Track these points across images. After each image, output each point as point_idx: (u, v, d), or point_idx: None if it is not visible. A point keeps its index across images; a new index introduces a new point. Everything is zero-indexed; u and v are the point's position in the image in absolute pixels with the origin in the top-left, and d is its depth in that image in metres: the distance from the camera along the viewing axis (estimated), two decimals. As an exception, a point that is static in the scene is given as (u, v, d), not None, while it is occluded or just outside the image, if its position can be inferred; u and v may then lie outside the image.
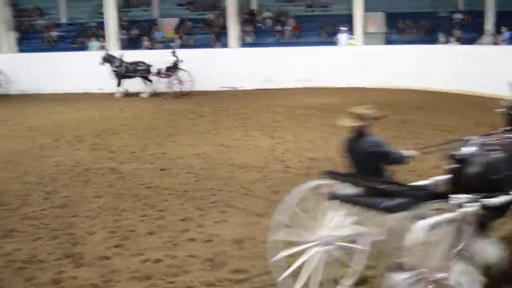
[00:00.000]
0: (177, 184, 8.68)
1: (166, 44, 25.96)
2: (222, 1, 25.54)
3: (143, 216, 7.21)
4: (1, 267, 5.76)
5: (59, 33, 28.83)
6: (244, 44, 23.58)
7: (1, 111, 17.52)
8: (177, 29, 28.36)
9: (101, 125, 14.22)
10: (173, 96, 19.33)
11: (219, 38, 25.90)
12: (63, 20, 30.53)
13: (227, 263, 5.68)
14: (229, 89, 20.70)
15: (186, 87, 19.64)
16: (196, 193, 8.18)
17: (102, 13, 23.96)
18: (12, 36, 23.17)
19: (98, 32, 25.88)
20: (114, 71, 20.01)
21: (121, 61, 19.96)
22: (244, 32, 24.30)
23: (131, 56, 20.13)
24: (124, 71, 19.94)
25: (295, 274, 4.74)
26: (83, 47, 25.17)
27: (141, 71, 19.93)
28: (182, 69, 19.63)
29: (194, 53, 21.91)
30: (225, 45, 23.50)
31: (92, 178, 9.18)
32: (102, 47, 22.89)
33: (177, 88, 19.62)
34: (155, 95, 19.80)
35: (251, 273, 5.43)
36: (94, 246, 6.22)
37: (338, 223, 4.94)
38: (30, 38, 27.47)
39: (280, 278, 4.70)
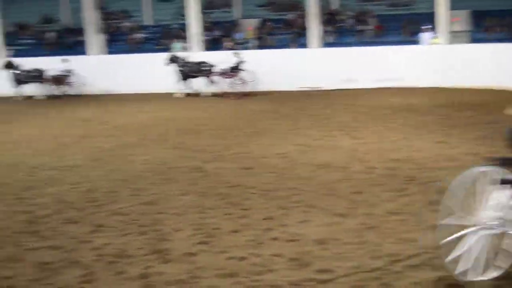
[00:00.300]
0: (259, 183, 8.73)
1: (245, 45, 26.24)
2: (303, 2, 25.49)
3: (227, 214, 7.29)
4: (93, 260, 5.96)
5: (144, 35, 29.63)
6: (325, 44, 23.45)
7: (87, 110, 18.23)
8: (258, 29, 28.55)
9: (184, 124, 14.53)
10: (236, 96, 19.65)
11: (299, 38, 25.87)
12: (148, 22, 31.37)
13: (312, 263, 5.66)
14: (310, 89, 20.66)
15: (249, 87, 20.00)
16: (278, 192, 8.21)
17: (185, 15, 24.45)
18: (101, 39, 24.03)
19: (181, 33, 26.41)
20: (180, 71, 20.75)
21: (186, 61, 20.67)
22: (325, 32, 24.15)
23: (213, 56, 20.52)
24: (188, 71, 20.58)
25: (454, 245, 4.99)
26: (167, 49, 25.77)
27: (205, 71, 20.50)
28: (245, 70, 19.95)
29: (274, 54, 22.07)
30: (303, 45, 23.44)
31: (176, 176, 9.38)
32: (185, 48, 23.38)
33: (240, 88, 20.02)
34: (218, 95, 20.35)
35: (336, 273, 5.39)
36: (180, 243, 6.34)
37: (504, 208, 5.05)
38: (116, 40, 28.37)
39: (443, 241, 4.97)
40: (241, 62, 20.03)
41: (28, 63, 22.46)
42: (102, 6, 25.92)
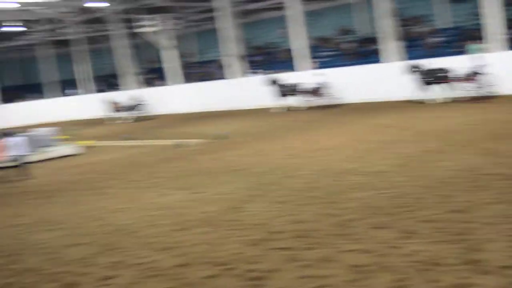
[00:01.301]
0: None
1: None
2: None
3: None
4: (404, 266, 5.97)
5: (441, 38, 29.02)
6: None
7: (387, 117, 18.46)
8: None
9: (490, 129, 13.67)
10: (473, 100, 19.29)
11: None
12: (446, 25, 30.65)
13: None
14: None
15: (490, 91, 19.51)
16: None
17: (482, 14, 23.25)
18: (397, 45, 24.18)
19: (477, 34, 25.17)
20: (422, 78, 21.21)
21: (425, 69, 21.14)
22: None
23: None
24: (429, 79, 21.07)
25: None
26: (462, 51, 24.83)
27: (442, 77, 20.74)
28: (485, 74, 19.35)
29: None
30: None
31: (486, 183, 8.89)
32: (482, 50, 22.29)
33: (479, 92, 19.63)
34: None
35: None
36: (496, 254, 5.98)
37: None
38: (413, 46, 28.25)
39: None
40: (482, 66, 19.43)
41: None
42: (397, 13, 26.07)
